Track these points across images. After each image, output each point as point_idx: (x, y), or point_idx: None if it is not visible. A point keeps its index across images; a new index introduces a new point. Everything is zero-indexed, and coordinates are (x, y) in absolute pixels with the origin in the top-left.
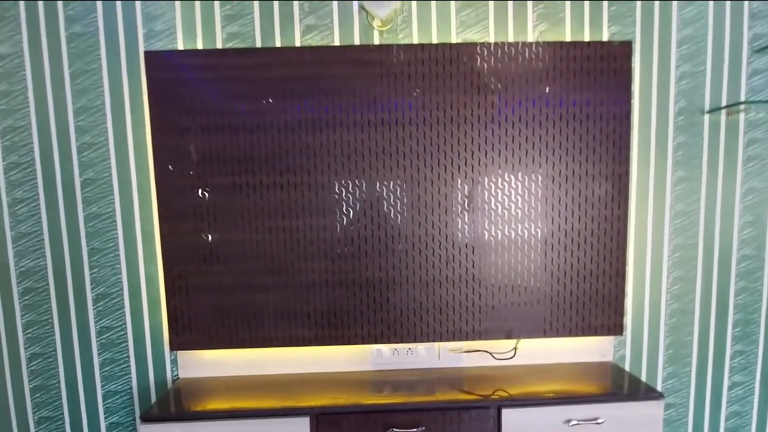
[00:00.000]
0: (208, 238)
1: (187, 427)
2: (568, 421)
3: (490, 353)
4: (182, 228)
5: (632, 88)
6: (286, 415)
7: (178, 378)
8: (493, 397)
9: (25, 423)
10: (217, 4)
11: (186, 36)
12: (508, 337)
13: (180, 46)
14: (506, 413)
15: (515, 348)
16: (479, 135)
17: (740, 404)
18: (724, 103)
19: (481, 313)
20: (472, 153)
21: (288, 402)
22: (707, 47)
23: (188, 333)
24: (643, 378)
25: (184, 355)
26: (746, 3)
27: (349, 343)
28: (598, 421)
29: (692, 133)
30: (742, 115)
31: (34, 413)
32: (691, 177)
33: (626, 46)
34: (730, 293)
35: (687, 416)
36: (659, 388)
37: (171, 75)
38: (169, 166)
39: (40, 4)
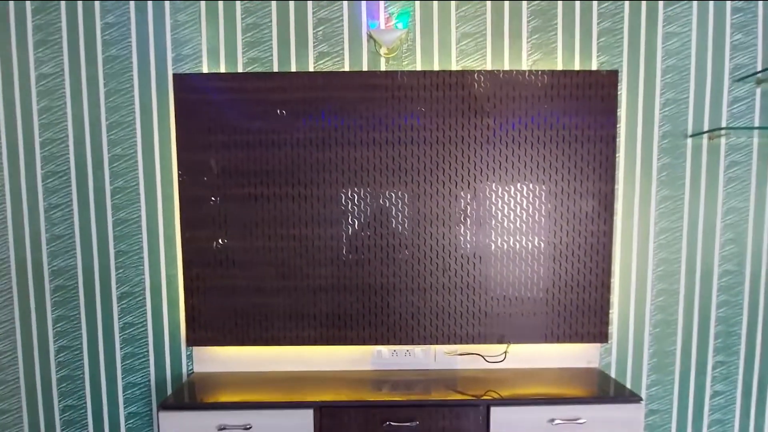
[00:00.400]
0: (220, 243)
1: (202, 415)
2: (552, 420)
3: (483, 356)
4: (201, 234)
5: (619, 113)
6: (292, 407)
7: (193, 372)
8: (483, 396)
9: (51, 409)
10: (239, 31)
11: (210, 60)
12: (500, 342)
13: (204, 70)
14: (494, 411)
15: (506, 352)
16: (475, 154)
17: (722, 413)
18: (706, 128)
19: (475, 319)
20: (469, 170)
21: (294, 396)
22: (690, 76)
23: (204, 330)
24: (628, 385)
25: (199, 351)
26: (728, 36)
27: (351, 344)
28: (580, 421)
29: (676, 156)
30: (723, 140)
31: (59, 401)
32: (674, 196)
33: (613, 75)
34: (712, 306)
35: (670, 423)
36: (643, 394)
37: (196, 96)
38: (191, 178)
39: (81, 29)
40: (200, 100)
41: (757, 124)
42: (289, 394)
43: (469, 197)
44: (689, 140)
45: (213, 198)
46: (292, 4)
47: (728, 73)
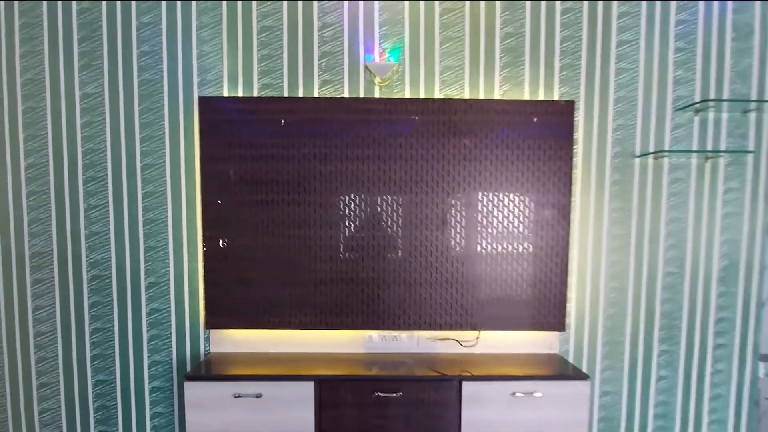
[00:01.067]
0: (225, 242)
1: (220, 385)
2: (513, 393)
3: (458, 341)
4: (219, 234)
5: (576, 136)
6: (296, 380)
7: (210, 352)
8: (456, 373)
9: (84, 383)
10: (255, 61)
11: (230, 85)
12: (473, 329)
13: (225, 93)
14: (466, 385)
15: (477, 338)
16: (454, 169)
17: (666, 395)
18: (651, 150)
19: (452, 309)
20: (449, 183)
21: (298, 371)
22: (638, 106)
23: (220, 316)
24: (584, 369)
25: (216, 334)
26: (671, 71)
27: (347, 329)
28: (536, 394)
29: (625, 173)
30: (666, 160)
31: (92, 376)
32: (624, 207)
33: (570, 104)
34: (657, 302)
35: (621, 403)
36: (597, 378)
37: (218, 115)
38: (212, 185)
39: (120, 56)
40: (221, 120)
41: (694, 148)
42: (293, 369)
43: (448, 205)
44: (637, 160)
45: (219, 200)
46: (300, 38)
47: (671, 103)
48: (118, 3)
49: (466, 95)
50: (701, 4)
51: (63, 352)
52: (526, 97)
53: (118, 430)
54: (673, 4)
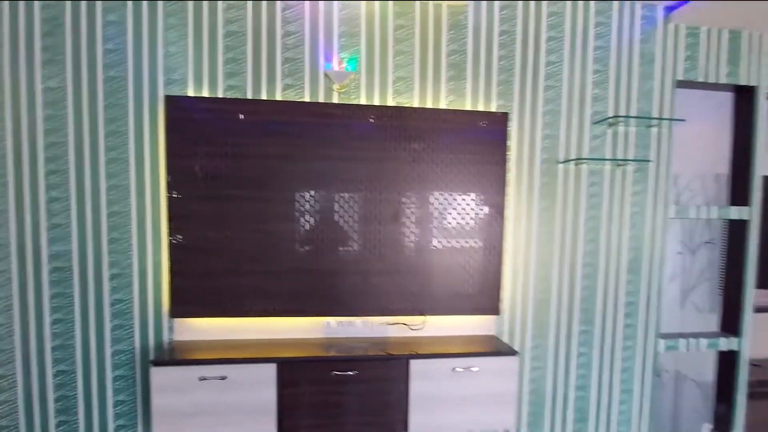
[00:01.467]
0: (178, 237)
1: (185, 369)
2: (453, 368)
3: (408, 326)
4: (185, 226)
5: (509, 144)
6: (259, 362)
7: (173, 341)
8: (404, 353)
9: (43, 375)
10: (220, 63)
11: (195, 85)
12: (420, 314)
13: (190, 93)
14: (413, 363)
15: (424, 322)
16: (405, 170)
17: (584, 369)
18: (572, 156)
19: (402, 297)
20: (400, 182)
21: (261, 354)
22: (562, 119)
23: (185, 305)
24: (516, 347)
25: (180, 323)
26: (590, 88)
27: (307, 316)
28: (473, 369)
29: (551, 177)
30: (585, 166)
31: (53, 366)
32: (550, 207)
33: (505, 115)
34: (577, 289)
35: (546, 377)
36: (528, 355)
37: (184, 114)
38: (177, 179)
39: (83, 52)
40: (186, 117)
41: (607, 157)
42: (256, 353)
43: (399, 203)
44: (561, 165)
45: (183, 195)
46: (264, 43)
47: (589, 117)
48: (83, 3)
49: (416, 104)
50: (614, 34)
51: (21, 343)
52: (468, 107)
53: (78, 419)
54: (591, 32)
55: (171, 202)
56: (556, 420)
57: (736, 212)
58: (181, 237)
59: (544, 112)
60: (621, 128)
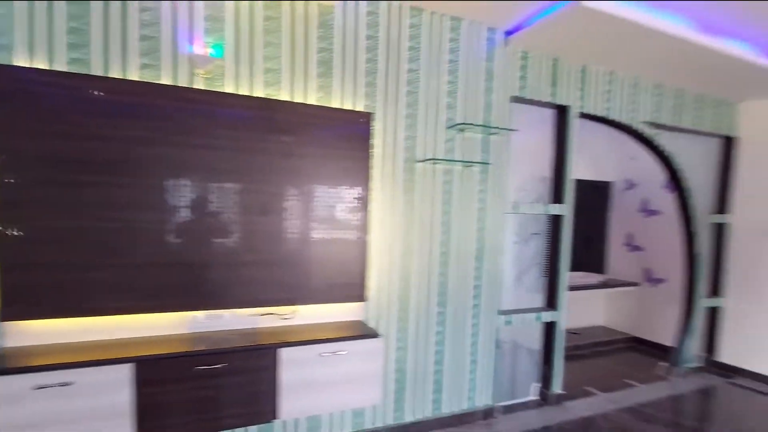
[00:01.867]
0: (25, 225)
1: (14, 379)
2: (321, 354)
3: (279, 315)
4: (22, 215)
5: (374, 142)
6: (111, 363)
7: (3, 348)
8: (273, 342)
9: None
10: (63, 32)
11: (28, 53)
12: (291, 304)
13: (21, 63)
14: (282, 351)
15: (294, 312)
16: (274, 162)
17: (440, 345)
18: (428, 157)
19: (273, 287)
20: (269, 174)
21: (114, 355)
22: (419, 123)
23: (19, 305)
24: (382, 331)
25: (12, 327)
26: (444, 97)
27: (171, 311)
28: (341, 353)
29: (411, 174)
30: (440, 165)
31: None
32: (411, 201)
33: (369, 115)
34: (435, 275)
35: (408, 355)
36: (393, 337)
37: (14, 86)
38: (10, 162)
39: None
40: (20, 90)
41: (457, 158)
42: (110, 355)
43: (270, 194)
44: (419, 164)
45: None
46: (117, 16)
47: (444, 123)
48: None
49: (286, 97)
50: (463, 50)
51: None
52: (337, 105)
53: None
54: (445, 46)
55: (2, 187)
56: (417, 392)
57: (555, 209)
58: (15, 227)
59: (406, 114)
60: (469, 134)
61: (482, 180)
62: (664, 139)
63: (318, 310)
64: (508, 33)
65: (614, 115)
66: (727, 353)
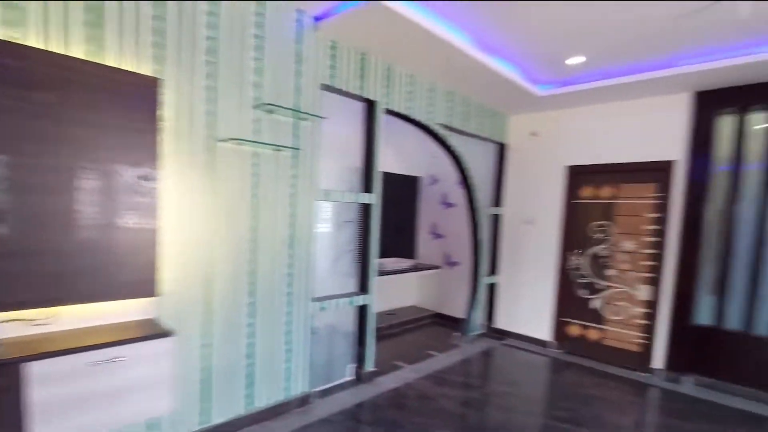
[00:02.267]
0: None
1: None
2: (95, 363)
3: (30, 321)
4: None
5: (163, 113)
6: None
7: None
8: (15, 356)
9: None
10: None
11: None
12: (53, 305)
13: None
14: (30, 366)
15: (52, 315)
16: (26, 125)
17: (251, 338)
18: (233, 136)
19: (26, 285)
20: (19, 141)
21: None
22: (220, 95)
23: None
24: (180, 329)
25: None
26: (251, 73)
27: None
28: (118, 359)
29: (213, 154)
30: (247, 147)
31: None
32: (213, 183)
33: (155, 81)
34: (244, 263)
35: (213, 352)
36: (196, 333)
37: None
38: None
39: None
40: None
41: (267, 141)
42: None
43: (25, 167)
44: (221, 143)
45: None
46: None
47: (250, 101)
48: None
49: (37, 44)
50: (270, 26)
51: None
52: (113, 63)
53: None
54: (251, 18)
55: None
56: (226, 391)
57: (365, 197)
58: None
59: (205, 86)
60: (278, 117)
61: (293, 165)
62: (455, 141)
63: (94, 309)
64: (318, 18)
65: (416, 115)
66: (501, 320)
